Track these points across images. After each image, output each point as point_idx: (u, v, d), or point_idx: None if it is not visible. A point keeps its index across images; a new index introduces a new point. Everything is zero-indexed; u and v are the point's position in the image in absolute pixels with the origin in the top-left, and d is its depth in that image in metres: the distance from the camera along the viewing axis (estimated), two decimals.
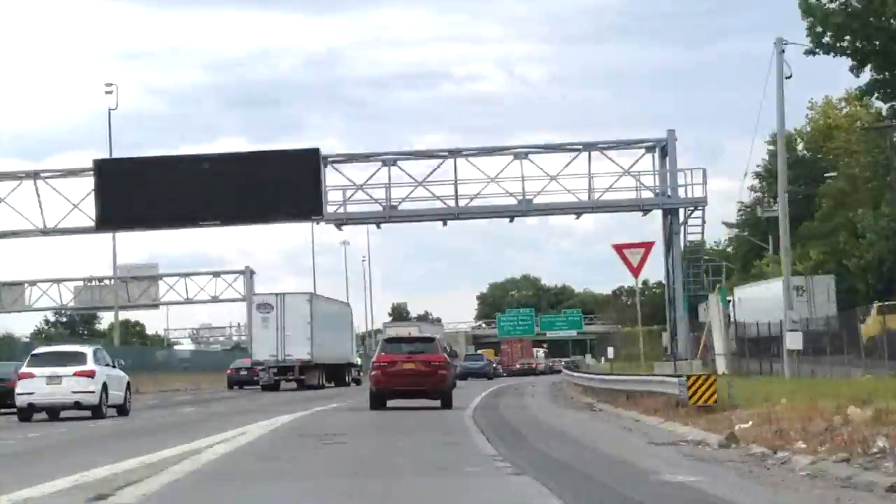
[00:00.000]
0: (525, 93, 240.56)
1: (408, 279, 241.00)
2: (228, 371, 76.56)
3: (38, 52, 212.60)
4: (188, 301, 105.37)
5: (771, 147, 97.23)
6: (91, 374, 34.16)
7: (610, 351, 61.32)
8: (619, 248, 42.18)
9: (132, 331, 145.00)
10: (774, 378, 43.25)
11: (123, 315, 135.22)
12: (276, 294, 67.05)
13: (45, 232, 57.36)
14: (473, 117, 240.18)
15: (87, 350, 36.00)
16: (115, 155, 60.44)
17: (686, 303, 57.33)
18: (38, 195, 56.67)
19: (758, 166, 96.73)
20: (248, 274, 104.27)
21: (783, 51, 41.61)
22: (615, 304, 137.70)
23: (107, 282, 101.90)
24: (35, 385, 34.11)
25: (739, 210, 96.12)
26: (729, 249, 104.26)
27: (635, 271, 41.85)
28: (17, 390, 34.54)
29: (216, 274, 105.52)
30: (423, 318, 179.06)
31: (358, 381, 73.11)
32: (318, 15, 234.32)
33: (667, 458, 18.52)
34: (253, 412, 36.04)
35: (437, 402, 35.37)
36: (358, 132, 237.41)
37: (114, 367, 36.34)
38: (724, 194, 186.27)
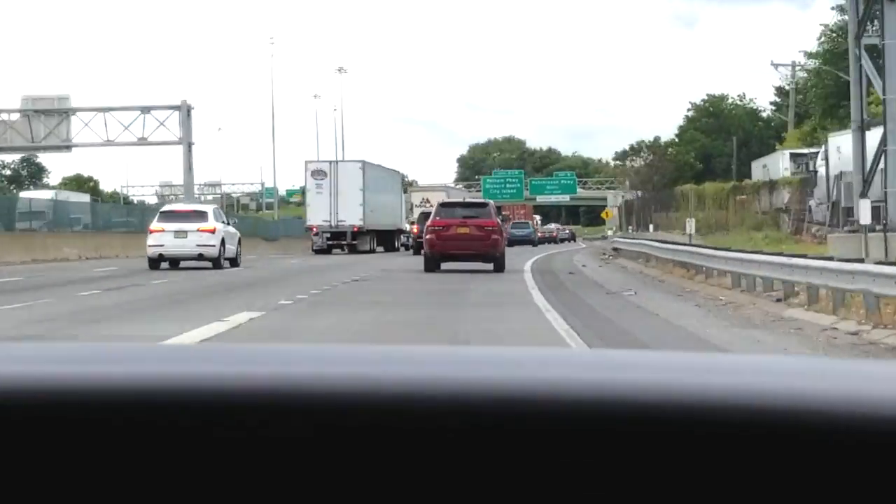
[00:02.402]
0: None
1: (381, 141, 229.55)
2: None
3: None
4: (108, 143, 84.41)
5: None
6: (212, 231, 39.73)
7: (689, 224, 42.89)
8: None
9: (85, 187, 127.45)
10: None
11: (74, 169, 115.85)
12: (330, 161, 71.57)
13: None
14: None
15: (209, 209, 42.49)
16: None
17: None
18: None
19: None
20: (185, 110, 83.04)
21: None
22: (628, 169, 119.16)
23: (6, 116, 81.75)
24: (165, 238, 39.41)
25: (820, 37, 74.81)
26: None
27: None
28: (149, 242, 39.60)
29: (145, 109, 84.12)
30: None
31: (407, 247, 74.64)
32: None
33: None
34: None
35: (490, 266, 36.56)
36: None
37: (227, 224, 41.66)
38: None
